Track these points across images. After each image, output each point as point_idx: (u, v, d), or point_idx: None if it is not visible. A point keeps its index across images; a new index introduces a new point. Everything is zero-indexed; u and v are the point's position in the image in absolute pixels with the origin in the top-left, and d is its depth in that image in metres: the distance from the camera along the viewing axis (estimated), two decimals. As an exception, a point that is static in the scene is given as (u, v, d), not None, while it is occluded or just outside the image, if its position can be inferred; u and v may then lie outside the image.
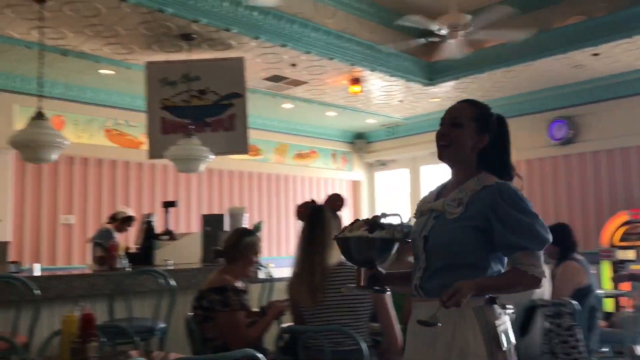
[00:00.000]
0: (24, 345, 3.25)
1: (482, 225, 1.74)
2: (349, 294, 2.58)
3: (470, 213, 1.76)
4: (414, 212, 1.97)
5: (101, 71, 6.20)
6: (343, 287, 2.40)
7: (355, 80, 6.66)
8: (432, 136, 1.95)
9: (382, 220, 1.81)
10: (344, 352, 2.57)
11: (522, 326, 3.64)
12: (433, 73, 6.82)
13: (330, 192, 2.97)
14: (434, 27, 5.18)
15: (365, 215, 9.89)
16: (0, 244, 4.19)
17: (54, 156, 4.68)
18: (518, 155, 7.87)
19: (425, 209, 1.89)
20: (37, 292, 3.42)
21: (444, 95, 7.37)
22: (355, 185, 10.11)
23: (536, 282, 1.72)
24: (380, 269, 1.86)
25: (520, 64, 6.24)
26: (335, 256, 2.63)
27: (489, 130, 1.87)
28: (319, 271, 2.63)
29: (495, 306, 1.75)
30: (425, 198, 1.96)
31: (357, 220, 1.80)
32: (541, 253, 1.73)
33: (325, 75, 6.50)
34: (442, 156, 1.88)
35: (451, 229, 1.77)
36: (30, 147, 4.53)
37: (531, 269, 1.70)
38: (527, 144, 7.69)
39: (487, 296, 1.74)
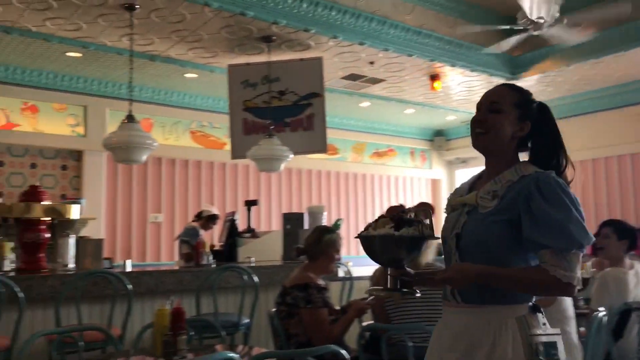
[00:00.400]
0: (118, 337, 3.43)
1: (515, 218, 1.55)
2: (436, 293, 2.58)
3: (504, 205, 1.58)
4: (445, 206, 1.79)
5: (186, 75, 6.45)
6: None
7: (435, 76, 6.56)
8: None
9: (408, 216, 1.65)
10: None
11: (615, 330, 3.46)
12: (516, 67, 6.60)
13: (408, 191, 2.96)
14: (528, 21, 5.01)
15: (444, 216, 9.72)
16: (96, 241, 4.43)
17: (144, 157, 4.91)
18: (609, 151, 7.48)
19: (457, 203, 1.71)
20: (130, 286, 3.60)
21: (528, 89, 7.09)
22: (435, 183, 9.96)
23: (563, 287, 1.47)
24: (408, 269, 1.68)
25: (610, 54, 5.93)
26: (425, 257, 2.70)
27: (530, 118, 1.69)
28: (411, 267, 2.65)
29: (539, 315, 1.57)
30: (456, 191, 1.79)
31: (381, 217, 1.63)
32: (575, 255, 1.48)
33: (404, 72, 6.45)
34: (478, 144, 1.69)
35: (486, 225, 1.59)
36: (122, 148, 4.77)
37: (555, 270, 1.46)
38: (618, 139, 7.29)
39: (530, 304, 1.56)
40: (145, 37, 5.25)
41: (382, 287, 1.70)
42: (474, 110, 1.85)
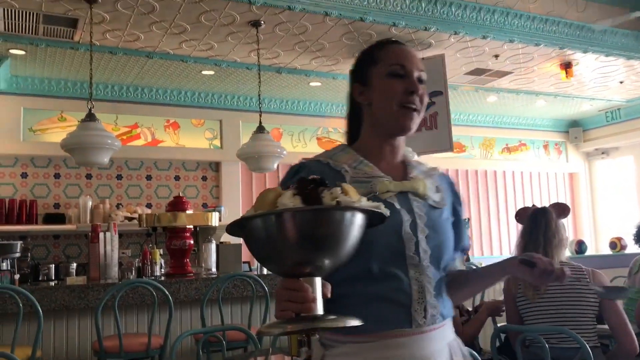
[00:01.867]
0: (257, 337, 3.63)
1: (451, 219, 1.37)
2: (573, 286, 2.52)
3: (446, 202, 1.37)
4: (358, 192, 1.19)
5: (311, 84, 6.66)
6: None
7: (567, 65, 6.21)
8: None
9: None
10: (565, 349, 2.46)
11: None
12: (659, 47, 6.07)
13: (544, 186, 2.89)
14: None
15: (585, 213, 9.14)
16: (235, 246, 4.72)
17: (274, 165, 5.15)
18: None
19: (390, 190, 1.29)
20: (267, 288, 3.80)
21: None
22: (573, 177, 9.38)
23: None
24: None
25: None
26: (564, 253, 2.66)
27: None
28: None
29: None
30: (355, 171, 1.33)
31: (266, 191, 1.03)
32: None
33: (532, 63, 6.17)
34: (411, 125, 1.33)
35: (444, 224, 1.33)
36: (254, 158, 5.05)
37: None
38: None
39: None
40: (271, 50, 5.51)
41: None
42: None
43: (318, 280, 1.01)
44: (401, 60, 1.35)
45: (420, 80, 1.35)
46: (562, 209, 2.85)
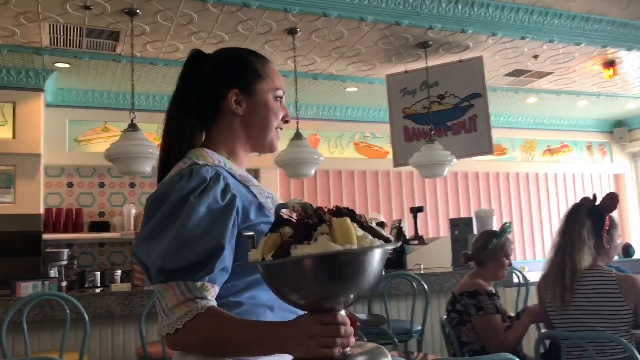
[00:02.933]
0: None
1: None
2: (602, 298, 2.43)
3: None
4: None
5: (347, 89, 6.67)
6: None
7: (609, 63, 6.05)
8: None
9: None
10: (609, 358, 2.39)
11: None
12: None
13: (588, 188, 2.79)
14: None
15: (633, 215, 8.87)
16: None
17: (312, 171, 5.17)
18: None
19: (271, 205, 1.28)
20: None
21: None
22: (618, 178, 9.12)
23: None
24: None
25: None
26: (588, 259, 2.54)
27: None
28: (569, 271, 2.57)
29: None
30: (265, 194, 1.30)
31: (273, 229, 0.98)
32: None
33: (573, 63, 6.04)
34: (279, 146, 1.42)
35: None
36: (292, 165, 5.08)
37: None
38: None
39: None
40: (308, 57, 5.54)
41: None
42: None
43: (344, 312, 0.99)
44: (281, 84, 1.37)
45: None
46: (605, 203, 2.72)
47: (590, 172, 8.91)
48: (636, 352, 2.25)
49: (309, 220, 0.92)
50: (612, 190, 9.01)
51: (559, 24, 5.31)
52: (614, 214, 2.73)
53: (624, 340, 2.31)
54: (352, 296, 0.95)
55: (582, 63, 6.06)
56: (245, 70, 1.33)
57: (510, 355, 1.94)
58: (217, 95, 1.32)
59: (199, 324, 1.06)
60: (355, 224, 0.91)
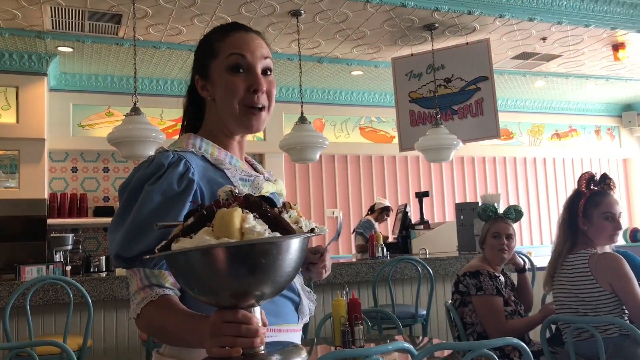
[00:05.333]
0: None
1: None
2: (579, 280, 2.44)
3: None
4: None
5: (352, 73, 6.60)
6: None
7: (619, 46, 5.96)
8: None
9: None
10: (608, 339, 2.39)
11: None
12: None
13: (595, 173, 2.71)
14: None
15: (633, 200, 8.80)
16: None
17: (317, 156, 5.13)
18: None
19: (266, 190, 1.24)
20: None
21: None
22: (627, 163, 9.04)
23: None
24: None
25: None
26: (567, 242, 2.57)
27: None
28: (553, 256, 2.67)
29: None
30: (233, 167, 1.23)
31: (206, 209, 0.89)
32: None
33: (582, 45, 5.95)
34: (259, 126, 1.23)
35: None
36: (297, 149, 5.04)
37: None
38: None
39: None
40: (312, 40, 5.48)
41: None
42: None
43: (258, 310, 0.91)
44: (242, 49, 1.20)
45: (265, 72, 1.22)
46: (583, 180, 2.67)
47: (598, 157, 8.83)
48: (637, 330, 2.22)
49: (204, 212, 0.86)
50: (621, 174, 8.93)
51: (568, 5, 5.22)
52: (609, 194, 2.62)
53: (627, 323, 2.29)
54: (254, 292, 0.86)
55: (591, 45, 5.97)
56: (203, 51, 1.26)
57: (515, 340, 1.91)
58: (193, 84, 1.29)
59: (149, 312, 1.07)
60: (251, 216, 0.83)
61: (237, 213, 0.83)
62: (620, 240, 6.06)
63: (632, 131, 8.89)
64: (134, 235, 1.08)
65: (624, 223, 8.21)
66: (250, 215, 0.84)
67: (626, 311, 2.44)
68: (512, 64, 6.46)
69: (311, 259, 1.28)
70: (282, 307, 1.19)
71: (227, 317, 0.87)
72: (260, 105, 1.21)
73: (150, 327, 1.09)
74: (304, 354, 0.92)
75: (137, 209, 1.10)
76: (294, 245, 0.86)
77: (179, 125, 5.77)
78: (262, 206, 0.87)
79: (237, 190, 0.91)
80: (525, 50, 6.05)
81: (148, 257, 0.89)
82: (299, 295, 1.24)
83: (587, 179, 2.63)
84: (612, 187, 2.62)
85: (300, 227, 0.87)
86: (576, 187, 2.69)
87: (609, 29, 5.47)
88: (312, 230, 0.88)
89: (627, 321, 2.39)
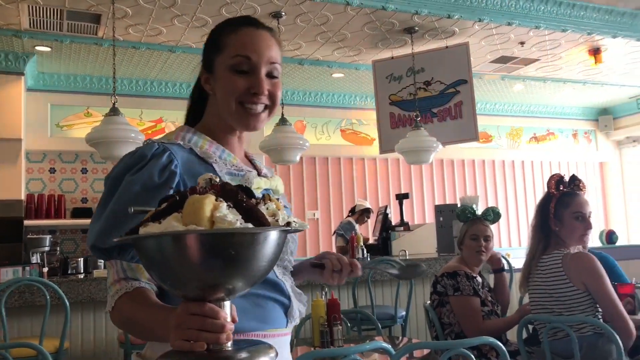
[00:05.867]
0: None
1: None
2: (553, 280, 2.48)
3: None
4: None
5: (333, 75, 6.62)
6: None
7: (595, 51, 6.06)
8: None
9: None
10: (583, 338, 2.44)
11: None
12: (693, 30, 5.87)
13: (564, 175, 2.75)
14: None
15: (617, 203, 8.94)
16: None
17: (297, 157, 5.14)
18: None
19: (257, 186, 1.21)
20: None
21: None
22: (603, 166, 9.19)
23: None
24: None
25: None
26: (541, 243, 2.61)
27: None
28: (527, 258, 2.71)
29: None
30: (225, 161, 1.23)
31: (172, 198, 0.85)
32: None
33: (559, 50, 6.04)
34: (259, 124, 1.23)
35: None
36: (277, 150, 5.04)
37: None
38: None
39: None
40: (293, 42, 5.49)
41: None
42: None
43: (228, 305, 0.87)
44: (247, 50, 1.17)
45: (270, 75, 1.20)
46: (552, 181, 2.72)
47: (575, 160, 8.95)
48: (610, 329, 2.26)
49: (177, 197, 0.82)
50: (598, 178, 9.07)
51: (546, 10, 5.30)
52: (579, 195, 2.65)
53: (601, 322, 2.33)
54: (223, 285, 0.82)
55: (568, 50, 6.06)
56: (209, 45, 1.24)
57: (491, 339, 1.93)
58: (199, 77, 1.28)
59: (123, 303, 1.04)
60: (225, 204, 0.80)
61: (209, 200, 0.79)
62: (596, 242, 6.17)
63: (608, 135, 9.04)
64: (110, 226, 1.06)
65: (601, 225, 8.35)
66: (224, 204, 0.80)
67: (599, 310, 2.48)
68: (491, 67, 6.54)
69: (325, 279, 1.28)
70: (271, 312, 1.16)
71: (193, 309, 0.82)
72: (259, 105, 1.20)
73: (122, 320, 1.06)
74: (273, 353, 0.89)
75: (115, 199, 1.08)
76: (268, 238, 0.81)
77: (159, 127, 5.74)
78: (238, 195, 0.83)
79: (217, 179, 0.88)
80: (504, 54, 6.12)
81: (116, 240, 0.86)
82: (289, 298, 1.21)
83: (556, 180, 2.67)
84: (582, 187, 2.66)
85: (277, 220, 0.84)
86: (546, 189, 2.74)
87: (585, 34, 5.57)
88: (288, 224, 0.85)
89: (601, 320, 2.44)
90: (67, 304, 3.07)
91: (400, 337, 3.83)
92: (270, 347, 0.90)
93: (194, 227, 0.77)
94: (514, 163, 8.61)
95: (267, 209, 0.84)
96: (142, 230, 0.80)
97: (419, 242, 5.36)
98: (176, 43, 5.40)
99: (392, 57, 5.83)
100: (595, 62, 6.19)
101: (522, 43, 5.77)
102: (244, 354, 0.85)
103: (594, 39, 5.75)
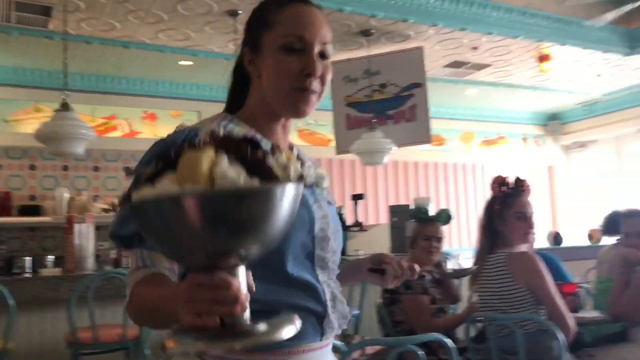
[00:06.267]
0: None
1: None
2: (498, 279, 2.56)
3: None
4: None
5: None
6: None
7: (545, 57, 6.25)
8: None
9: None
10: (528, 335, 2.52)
11: None
12: (634, 40, 6.13)
13: (507, 177, 2.83)
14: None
15: (564, 205, 9.23)
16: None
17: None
18: None
19: (290, 173, 0.99)
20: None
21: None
22: (552, 170, 9.48)
23: None
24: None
25: None
26: (487, 244, 2.69)
27: None
28: (476, 257, 2.79)
29: None
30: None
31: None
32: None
33: (510, 55, 6.21)
34: (309, 108, 1.12)
35: (339, 224, 1.18)
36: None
37: None
38: None
39: None
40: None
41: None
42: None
43: (243, 271, 0.77)
44: (300, 30, 1.08)
45: (322, 56, 1.10)
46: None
47: (525, 164, 9.20)
48: (552, 325, 2.35)
49: (172, 154, 0.73)
50: (546, 181, 9.35)
51: (498, 16, 5.44)
52: (521, 195, 2.73)
53: (544, 320, 2.42)
54: (231, 251, 0.73)
55: (519, 56, 6.23)
56: (254, 22, 1.13)
57: (440, 336, 1.98)
58: (241, 58, 1.16)
59: (137, 291, 0.97)
60: (225, 159, 0.71)
61: (206, 155, 0.70)
62: (543, 243, 6.36)
63: (557, 140, 9.33)
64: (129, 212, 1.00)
65: (548, 227, 8.61)
66: (224, 159, 0.70)
67: (542, 308, 2.57)
68: (445, 71, 6.66)
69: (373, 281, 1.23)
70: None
71: (201, 280, 0.74)
72: (312, 88, 1.09)
73: (136, 309, 0.98)
74: (297, 322, 0.79)
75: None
76: (277, 196, 0.71)
77: (111, 123, 5.61)
78: (241, 147, 0.73)
79: (221, 130, 0.78)
80: (457, 59, 6.25)
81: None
82: (324, 306, 1.07)
83: (499, 182, 2.76)
84: (525, 189, 2.74)
85: (288, 175, 0.73)
86: (491, 191, 2.82)
87: (535, 41, 5.74)
88: (300, 177, 0.75)
89: (544, 317, 2.52)
90: (11, 303, 2.98)
91: (353, 335, 3.86)
92: (293, 316, 0.82)
93: (190, 187, 0.68)
94: (466, 166, 8.79)
95: (277, 160, 0.74)
96: (134, 196, 0.72)
97: (373, 242, 5.42)
98: (130, 39, 5.31)
99: (349, 59, 5.88)
100: (544, 69, 6.39)
101: (475, 48, 5.91)
102: (263, 327, 0.76)
103: (543, 46, 5.93)
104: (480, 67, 6.55)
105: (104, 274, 3.53)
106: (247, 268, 0.78)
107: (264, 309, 0.91)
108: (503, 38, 5.63)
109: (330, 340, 1.09)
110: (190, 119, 6.97)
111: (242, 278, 0.76)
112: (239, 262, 0.75)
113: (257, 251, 0.75)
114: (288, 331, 0.77)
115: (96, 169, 6.55)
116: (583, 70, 6.82)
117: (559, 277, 3.10)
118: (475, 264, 2.79)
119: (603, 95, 7.94)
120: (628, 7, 5.00)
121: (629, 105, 7.80)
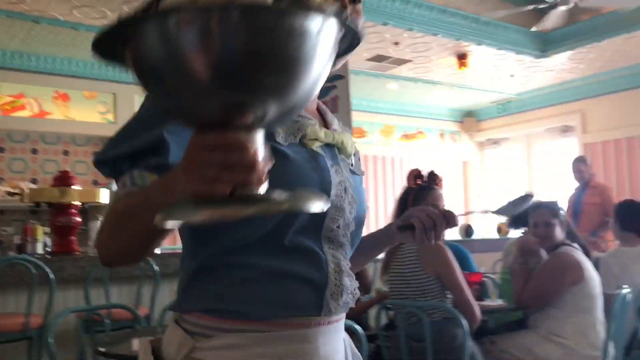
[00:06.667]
0: (145, 316, 3.52)
1: None
2: (409, 267, 2.64)
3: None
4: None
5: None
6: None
7: (462, 56, 6.47)
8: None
9: None
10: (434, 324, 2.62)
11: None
12: (546, 44, 6.46)
13: (438, 172, 2.90)
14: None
15: (476, 199, 9.60)
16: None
17: None
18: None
19: (314, 136, 0.98)
20: (157, 268, 3.68)
21: (558, 67, 6.96)
22: (466, 165, 9.84)
23: None
24: None
25: (644, 28, 5.75)
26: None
27: None
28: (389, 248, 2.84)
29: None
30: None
31: None
32: None
33: (430, 52, 6.37)
34: (338, 61, 0.96)
35: (363, 196, 1.07)
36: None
37: None
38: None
39: None
40: (97, 9, 5.30)
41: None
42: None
43: (261, 138, 0.62)
44: None
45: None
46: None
47: (441, 158, 9.50)
48: (457, 314, 2.46)
49: None
50: (461, 176, 9.70)
51: (419, 13, 5.56)
52: (435, 189, 2.82)
53: (451, 308, 2.51)
54: (248, 99, 0.58)
55: (439, 54, 6.41)
56: None
57: (350, 322, 2.00)
58: None
59: (118, 203, 0.84)
60: None
61: None
62: (456, 235, 6.60)
63: (472, 136, 9.70)
64: (121, 135, 0.89)
65: (461, 220, 8.94)
66: None
67: (448, 296, 2.67)
68: (367, 65, 6.75)
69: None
70: (295, 293, 0.90)
71: (210, 139, 0.60)
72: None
73: (107, 235, 0.84)
74: (325, 199, 0.66)
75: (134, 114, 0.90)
76: (318, 27, 0.55)
77: (19, 102, 5.33)
78: None
79: None
80: (380, 53, 6.35)
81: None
82: (326, 276, 0.93)
83: (414, 175, 2.83)
84: (438, 182, 2.83)
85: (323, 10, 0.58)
86: (405, 183, 2.89)
87: (454, 39, 5.92)
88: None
89: (450, 305, 2.62)
90: None
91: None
92: (319, 193, 0.69)
93: None
94: (385, 159, 8.97)
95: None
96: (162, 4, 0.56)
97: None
98: (41, 13, 5.02)
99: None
100: (461, 67, 6.60)
101: (396, 43, 6.02)
102: (282, 196, 0.63)
103: (461, 45, 6.13)
104: (401, 62, 6.68)
105: (6, 259, 3.34)
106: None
107: (250, 276, 0.87)
108: (423, 35, 5.76)
109: (335, 318, 0.94)
110: (105, 101, 6.70)
111: (260, 144, 0.61)
112: (255, 124, 0.60)
113: (277, 106, 0.60)
114: (315, 205, 0.63)
115: (1, 150, 6.18)
116: (498, 70, 7.11)
117: (466, 267, 3.22)
118: (387, 253, 2.84)
119: (516, 95, 8.33)
120: (555, 15, 5.26)
121: (540, 105, 8.21)
